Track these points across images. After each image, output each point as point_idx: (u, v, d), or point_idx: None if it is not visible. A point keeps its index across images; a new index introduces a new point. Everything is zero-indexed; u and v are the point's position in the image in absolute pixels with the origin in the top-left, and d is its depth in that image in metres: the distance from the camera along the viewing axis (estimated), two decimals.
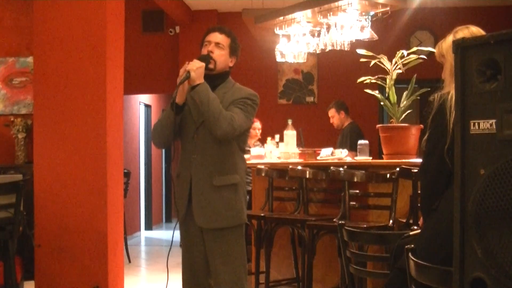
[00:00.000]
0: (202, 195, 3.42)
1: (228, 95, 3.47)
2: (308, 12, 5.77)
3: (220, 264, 3.42)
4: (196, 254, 3.49)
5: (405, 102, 4.81)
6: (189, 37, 9.03)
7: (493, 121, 1.76)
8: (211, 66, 3.45)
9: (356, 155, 5.23)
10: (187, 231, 3.52)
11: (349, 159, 5.19)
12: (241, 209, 3.48)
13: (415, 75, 4.86)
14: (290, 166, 5.03)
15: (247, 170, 3.67)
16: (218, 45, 3.49)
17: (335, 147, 5.85)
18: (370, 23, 5.65)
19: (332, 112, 7.28)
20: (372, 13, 5.61)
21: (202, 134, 3.43)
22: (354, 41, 5.70)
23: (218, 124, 3.31)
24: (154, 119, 11.25)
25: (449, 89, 2.65)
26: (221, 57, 3.49)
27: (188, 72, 3.33)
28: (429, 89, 4.11)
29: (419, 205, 3.59)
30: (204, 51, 3.49)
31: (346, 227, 3.21)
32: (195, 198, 3.44)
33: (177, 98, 3.39)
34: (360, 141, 5.20)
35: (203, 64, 3.38)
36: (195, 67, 3.33)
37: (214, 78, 3.48)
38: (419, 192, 3.59)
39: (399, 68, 4.84)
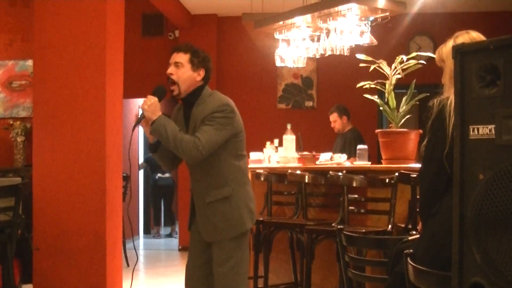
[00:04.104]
0: (201, 210, 3.53)
1: (202, 111, 3.46)
2: (308, 17, 5.77)
3: (219, 267, 3.48)
4: (198, 261, 3.60)
5: (404, 107, 4.81)
6: (188, 41, 9.00)
7: (492, 126, 1.77)
8: (174, 93, 3.49)
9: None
10: (192, 239, 3.65)
11: (348, 164, 5.19)
12: (239, 219, 3.49)
13: (414, 80, 4.87)
14: (289, 171, 5.03)
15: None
16: (176, 65, 3.50)
17: (333, 152, 5.85)
18: (369, 28, 5.65)
19: (334, 117, 7.26)
20: (371, 18, 5.61)
21: None
22: (353, 46, 5.70)
23: (182, 152, 3.36)
24: None
25: (449, 94, 2.65)
26: (183, 75, 3.48)
27: (143, 112, 3.39)
28: (428, 94, 4.10)
29: (418, 210, 3.59)
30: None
31: (344, 232, 3.22)
32: (197, 212, 3.56)
33: (148, 137, 3.49)
34: (359, 146, 5.20)
35: (155, 99, 3.40)
36: (147, 105, 3.37)
37: (188, 98, 3.51)
38: (418, 197, 3.59)
39: (399, 73, 4.85)
